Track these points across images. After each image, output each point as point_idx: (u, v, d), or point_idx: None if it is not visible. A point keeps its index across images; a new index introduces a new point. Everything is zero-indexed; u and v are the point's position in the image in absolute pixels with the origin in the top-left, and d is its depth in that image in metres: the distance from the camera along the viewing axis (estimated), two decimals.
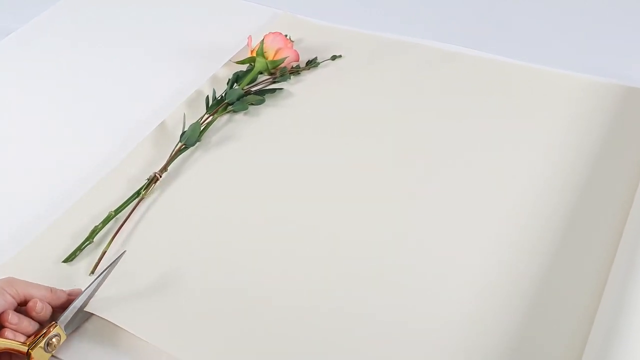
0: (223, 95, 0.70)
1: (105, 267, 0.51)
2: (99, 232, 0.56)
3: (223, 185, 0.62)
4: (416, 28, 0.79)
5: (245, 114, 0.69)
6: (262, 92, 0.70)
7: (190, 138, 0.65)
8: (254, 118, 0.69)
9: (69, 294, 0.50)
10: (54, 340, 0.47)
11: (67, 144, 0.67)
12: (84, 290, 0.49)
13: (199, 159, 0.64)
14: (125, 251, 0.53)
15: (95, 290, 0.50)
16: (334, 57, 0.75)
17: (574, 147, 0.63)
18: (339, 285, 0.52)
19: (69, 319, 0.48)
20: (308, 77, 0.73)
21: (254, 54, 0.73)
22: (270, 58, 0.72)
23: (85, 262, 0.55)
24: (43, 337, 0.46)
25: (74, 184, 0.62)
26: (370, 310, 0.51)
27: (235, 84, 0.71)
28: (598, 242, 0.54)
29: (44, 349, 0.46)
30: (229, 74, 0.73)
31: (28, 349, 0.45)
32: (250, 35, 0.74)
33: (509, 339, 0.48)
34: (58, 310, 0.49)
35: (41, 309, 0.47)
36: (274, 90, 0.71)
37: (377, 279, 0.53)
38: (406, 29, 0.79)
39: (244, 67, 0.74)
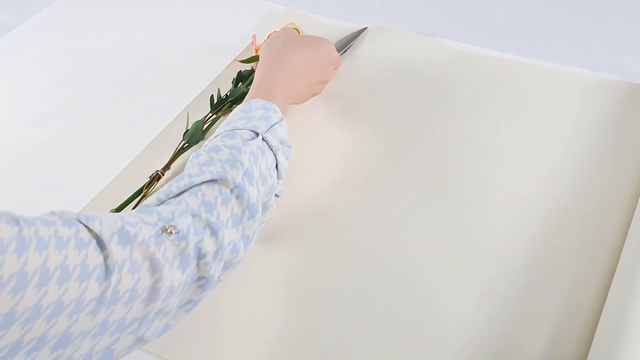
0: (227, 94, 0.70)
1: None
2: None
3: None
4: (420, 26, 0.79)
5: None
6: None
7: (193, 136, 0.65)
8: None
9: None
10: None
11: (70, 144, 0.68)
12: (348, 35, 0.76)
13: None
14: (367, 27, 0.77)
15: (354, 37, 0.75)
16: None
17: (580, 144, 0.62)
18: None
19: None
20: None
21: (259, 53, 0.73)
22: None
23: None
24: None
25: (79, 186, 0.63)
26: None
27: (239, 83, 0.72)
28: (606, 239, 0.54)
29: None
30: (234, 73, 0.73)
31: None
32: (254, 34, 0.75)
33: (519, 335, 0.49)
34: None
35: None
36: None
37: (388, 278, 0.53)
38: (411, 27, 0.78)
39: (249, 67, 0.74)
